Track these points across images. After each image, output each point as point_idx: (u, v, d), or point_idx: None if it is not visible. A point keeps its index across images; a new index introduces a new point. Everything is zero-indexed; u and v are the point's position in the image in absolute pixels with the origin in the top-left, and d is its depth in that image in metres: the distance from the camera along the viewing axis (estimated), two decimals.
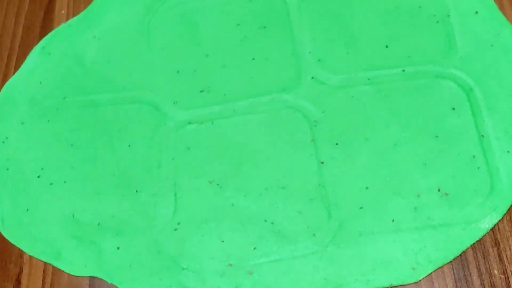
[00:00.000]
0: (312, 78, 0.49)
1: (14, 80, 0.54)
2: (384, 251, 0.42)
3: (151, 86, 0.51)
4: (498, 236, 0.42)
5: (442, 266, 0.41)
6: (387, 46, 0.49)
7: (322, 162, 0.46)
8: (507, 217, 0.42)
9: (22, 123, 0.52)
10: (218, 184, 0.46)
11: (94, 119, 0.51)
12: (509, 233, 0.42)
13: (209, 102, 0.50)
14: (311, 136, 0.47)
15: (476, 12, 0.50)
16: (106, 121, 0.50)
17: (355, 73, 0.49)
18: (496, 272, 0.41)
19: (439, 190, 0.43)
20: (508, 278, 0.40)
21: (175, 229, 0.45)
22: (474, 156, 0.44)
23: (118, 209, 0.46)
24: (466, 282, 0.41)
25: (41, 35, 0.56)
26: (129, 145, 0.49)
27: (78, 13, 0.57)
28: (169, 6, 0.55)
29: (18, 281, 0.45)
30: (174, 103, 0.50)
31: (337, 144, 0.46)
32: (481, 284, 0.40)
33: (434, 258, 0.41)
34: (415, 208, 0.43)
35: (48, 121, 0.51)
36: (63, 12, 0.58)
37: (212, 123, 0.49)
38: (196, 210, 0.45)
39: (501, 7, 0.50)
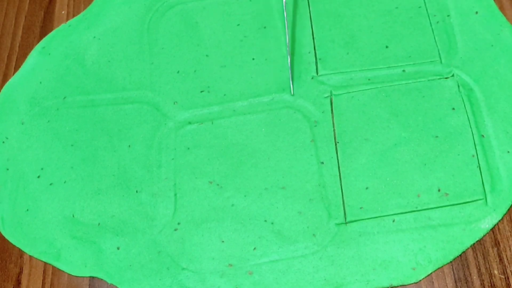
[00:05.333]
0: (312, 78, 0.49)
1: (14, 80, 0.54)
2: (384, 251, 0.42)
3: (151, 86, 0.51)
4: (498, 236, 0.42)
5: (442, 266, 0.41)
6: (387, 46, 0.49)
7: (322, 162, 0.46)
8: (507, 217, 0.42)
9: (22, 123, 0.52)
10: (218, 184, 0.46)
11: (94, 119, 0.51)
12: (509, 233, 0.42)
13: (209, 102, 0.50)
14: (311, 136, 0.47)
15: (476, 12, 0.50)
16: (106, 121, 0.50)
17: (355, 73, 0.49)
18: (496, 272, 0.41)
19: (439, 190, 0.43)
20: (508, 278, 0.40)
21: (175, 229, 0.45)
22: (474, 156, 0.44)
23: (118, 209, 0.46)
24: (466, 282, 0.41)
25: (41, 35, 0.56)
26: (129, 145, 0.49)
27: (78, 13, 0.57)
28: (169, 6, 0.55)
29: (18, 281, 0.45)
30: (174, 103, 0.50)
31: (337, 144, 0.46)
32: (481, 284, 0.40)
33: (434, 258, 0.41)
34: (415, 208, 0.43)
35: (48, 121, 0.51)
36: (63, 12, 0.58)
37: (212, 123, 0.49)
38: (196, 210, 0.45)
39: (501, 7, 0.50)
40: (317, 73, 0.49)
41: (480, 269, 0.41)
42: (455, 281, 0.41)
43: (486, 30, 0.49)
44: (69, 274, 0.45)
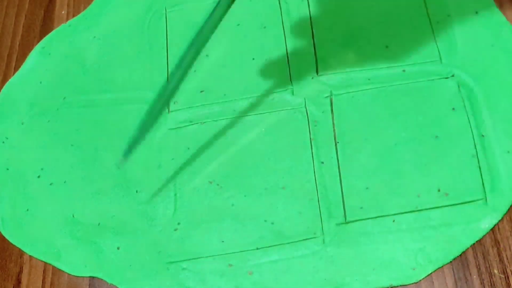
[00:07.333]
0: (312, 78, 0.49)
1: (14, 80, 0.54)
2: (384, 251, 0.42)
3: (151, 86, 0.51)
4: (498, 236, 0.42)
5: (442, 266, 0.41)
6: (387, 46, 0.49)
7: (322, 162, 0.46)
8: (507, 217, 0.42)
9: (22, 123, 0.52)
10: (218, 184, 0.46)
11: (94, 119, 0.51)
12: (509, 233, 0.42)
13: (209, 102, 0.50)
14: (311, 136, 0.47)
15: (476, 12, 0.50)
16: (106, 121, 0.50)
17: (355, 73, 0.49)
18: (496, 272, 0.41)
19: (439, 190, 0.43)
20: (508, 278, 0.40)
21: (175, 229, 0.45)
22: (474, 156, 0.44)
23: (118, 209, 0.46)
24: (466, 282, 0.41)
25: (41, 35, 0.56)
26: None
27: (78, 13, 0.57)
28: (169, 6, 0.55)
29: (18, 281, 0.46)
30: (174, 103, 0.50)
31: (337, 144, 0.46)
32: (481, 284, 0.40)
33: (434, 258, 0.41)
34: (415, 208, 0.43)
35: (48, 121, 0.51)
36: (63, 12, 0.58)
37: (212, 123, 0.49)
38: (196, 210, 0.45)
39: (501, 7, 0.50)
40: (317, 73, 0.49)
41: (480, 269, 0.41)
42: (455, 281, 0.41)
43: (486, 30, 0.49)
44: (69, 274, 0.45)
